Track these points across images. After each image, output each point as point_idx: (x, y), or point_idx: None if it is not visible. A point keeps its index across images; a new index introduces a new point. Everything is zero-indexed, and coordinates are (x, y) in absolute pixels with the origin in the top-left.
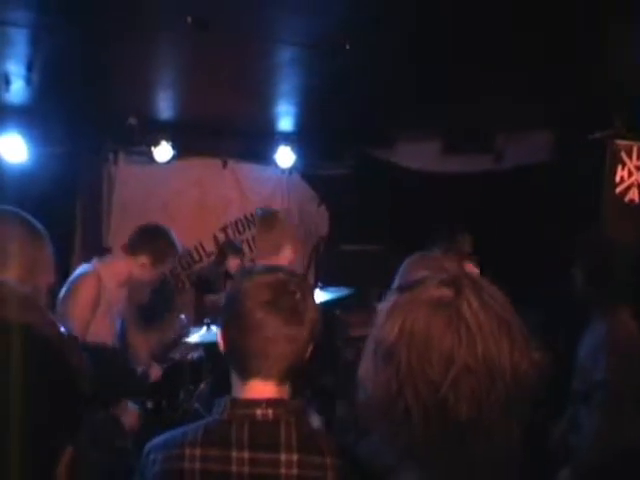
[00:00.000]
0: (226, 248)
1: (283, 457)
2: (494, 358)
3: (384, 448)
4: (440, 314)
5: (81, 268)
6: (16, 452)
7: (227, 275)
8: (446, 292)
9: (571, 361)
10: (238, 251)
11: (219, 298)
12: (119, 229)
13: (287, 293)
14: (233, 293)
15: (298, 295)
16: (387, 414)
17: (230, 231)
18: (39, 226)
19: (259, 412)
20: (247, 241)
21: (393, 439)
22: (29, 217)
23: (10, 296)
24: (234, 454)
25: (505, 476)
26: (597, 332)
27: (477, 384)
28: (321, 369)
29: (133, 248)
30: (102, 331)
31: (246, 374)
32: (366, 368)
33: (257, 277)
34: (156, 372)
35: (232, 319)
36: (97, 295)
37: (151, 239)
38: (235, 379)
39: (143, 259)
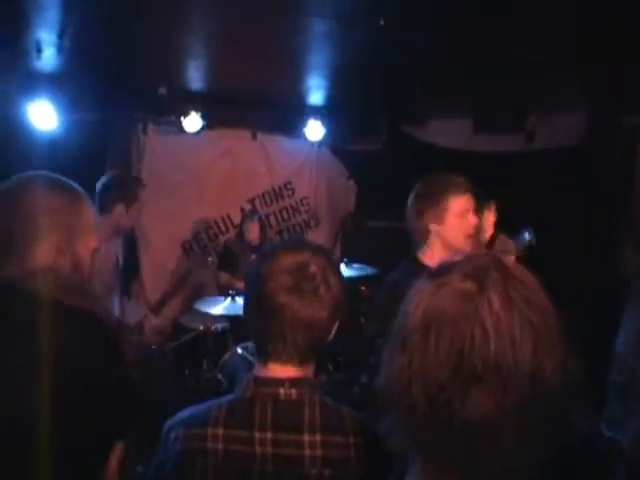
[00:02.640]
0: (244, 218)
1: (306, 438)
2: (509, 365)
3: (395, 434)
4: (458, 310)
5: None
6: (71, 441)
7: (249, 247)
8: (469, 286)
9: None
10: (253, 218)
11: (232, 278)
12: (147, 198)
13: (308, 276)
14: (254, 273)
15: (320, 277)
16: (396, 404)
17: (258, 203)
18: (74, 187)
19: (282, 391)
20: (274, 214)
21: (400, 429)
22: (61, 179)
23: (70, 283)
24: (257, 434)
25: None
26: (638, 319)
27: (486, 392)
28: (343, 345)
29: (107, 204)
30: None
31: (266, 356)
32: (387, 352)
33: (279, 258)
34: (154, 322)
35: (253, 301)
36: None
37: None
38: (257, 357)
39: (120, 208)
